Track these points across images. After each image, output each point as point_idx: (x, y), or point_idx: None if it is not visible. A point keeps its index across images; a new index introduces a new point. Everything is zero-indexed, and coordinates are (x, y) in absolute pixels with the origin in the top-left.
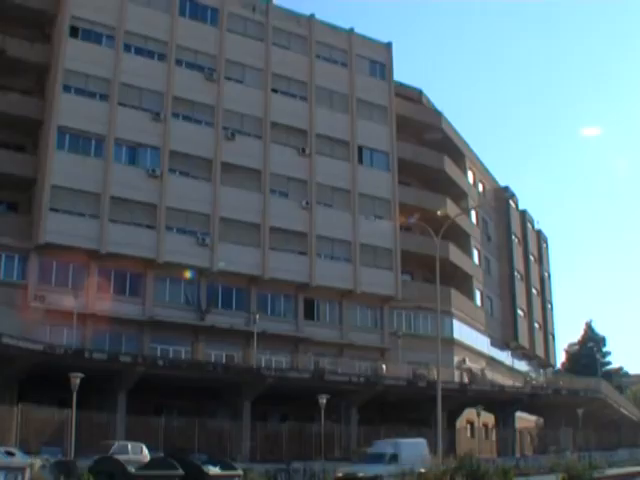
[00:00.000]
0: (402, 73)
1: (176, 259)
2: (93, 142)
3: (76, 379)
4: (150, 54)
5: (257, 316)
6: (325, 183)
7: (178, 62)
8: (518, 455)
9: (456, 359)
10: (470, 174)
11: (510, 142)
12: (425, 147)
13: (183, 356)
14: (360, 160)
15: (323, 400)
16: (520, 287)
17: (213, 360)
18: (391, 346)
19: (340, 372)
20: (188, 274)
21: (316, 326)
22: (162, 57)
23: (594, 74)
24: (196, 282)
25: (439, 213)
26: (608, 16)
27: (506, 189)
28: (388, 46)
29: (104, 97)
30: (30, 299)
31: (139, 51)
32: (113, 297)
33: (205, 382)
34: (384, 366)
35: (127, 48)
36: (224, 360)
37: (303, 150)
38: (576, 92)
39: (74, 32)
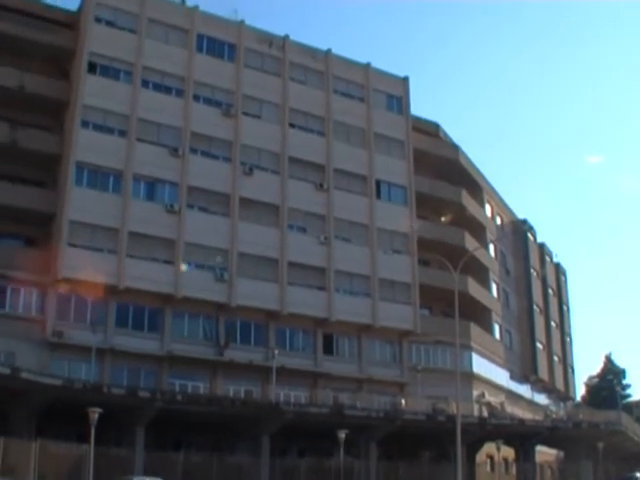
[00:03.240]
0: (419, 106)
1: (194, 294)
2: (111, 177)
3: (94, 414)
4: (168, 90)
5: (276, 351)
6: (343, 218)
7: (196, 97)
8: None
9: (475, 393)
10: (488, 207)
11: (526, 174)
12: (443, 181)
13: (202, 391)
14: (378, 194)
15: (342, 435)
16: (539, 320)
17: (232, 395)
18: (410, 380)
19: (359, 407)
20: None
21: (335, 361)
22: (180, 93)
23: (600, 103)
24: (214, 317)
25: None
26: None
27: (524, 222)
28: (405, 80)
29: (122, 133)
30: (48, 334)
31: (157, 87)
32: (131, 332)
33: (224, 417)
34: (403, 401)
35: (145, 84)
36: (243, 395)
37: (321, 185)
38: (580, 120)
39: (92, 68)
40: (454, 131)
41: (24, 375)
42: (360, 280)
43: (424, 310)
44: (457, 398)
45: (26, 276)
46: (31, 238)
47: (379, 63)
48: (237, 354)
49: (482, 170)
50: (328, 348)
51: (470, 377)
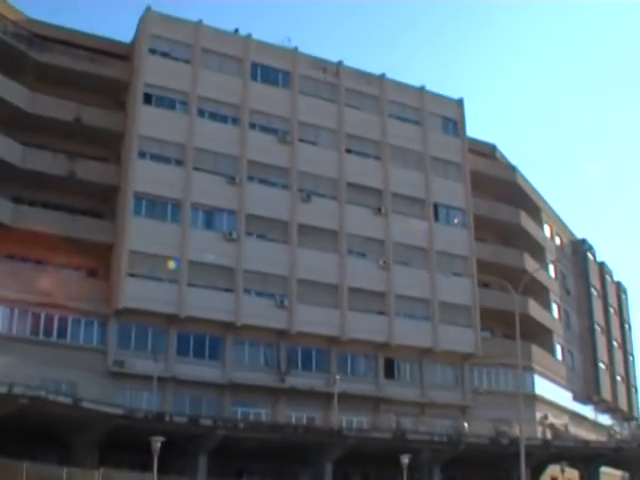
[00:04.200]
0: (474, 128)
1: (255, 322)
2: (169, 207)
3: (157, 443)
4: (223, 118)
5: (337, 377)
6: (402, 242)
7: (251, 125)
8: None
9: (538, 415)
10: (547, 228)
11: (583, 193)
12: (500, 202)
13: (263, 418)
14: (436, 217)
15: (405, 460)
16: (601, 340)
17: (294, 422)
18: (472, 404)
19: (421, 431)
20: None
21: (396, 385)
22: (235, 121)
23: None
24: (275, 344)
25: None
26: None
27: (583, 242)
28: (459, 102)
29: (179, 162)
30: (110, 364)
31: (212, 116)
32: (193, 360)
33: (286, 444)
34: (466, 424)
35: (200, 113)
36: (305, 422)
37: (379, 209)
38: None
39: (148, 99)
40: (510, 152)
41: (86, 405)
42: (420, 304)
43: (485, 332)
44: (520, 420)
45: (87, 306)
46: (91, 269)
47: (432, 86)
48: (298, 380)
49: (539, 190)
50: (389, 372)
51: (533, 399)
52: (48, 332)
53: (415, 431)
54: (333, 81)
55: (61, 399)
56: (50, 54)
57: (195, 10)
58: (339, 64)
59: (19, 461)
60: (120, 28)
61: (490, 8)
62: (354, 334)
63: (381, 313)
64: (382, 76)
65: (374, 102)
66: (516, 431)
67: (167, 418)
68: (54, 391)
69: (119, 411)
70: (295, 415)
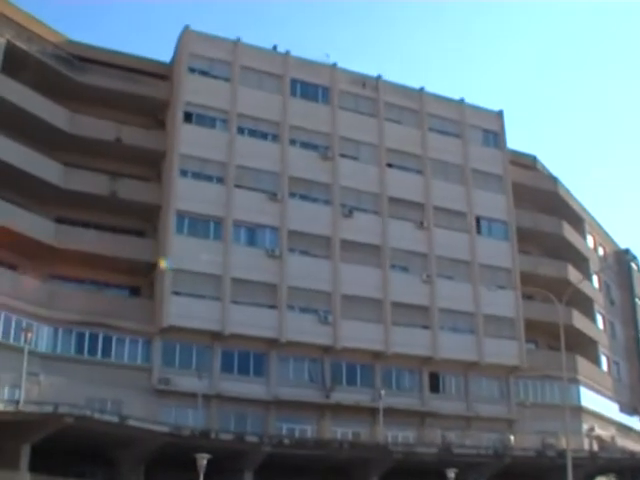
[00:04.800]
0: (514, 140)
1: (299, 338)
2: (212, 224)
3: (203, 460)
4: (264, 135)
5: (382, 392)
6: (445, 255)
7: (292, 142)
8: None
9: (585, 427)
10: (590, 238)
11: (625, 202)
12: (543, 213)
13: (309, 434)
14: (478, 230)
15: (451, 474)
16: None
17: (339, 438)
18: (518, 416)
19: (467, 445)
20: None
21: (442, 399)
22: (276, 138)
23: None
24: (320, 360)
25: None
26: None
27: (627, 251)
28: (499, 114)
29: (220, 180)
30: (155, 382)
31: (253, 133)
32: (237, 377)
33: (332, 460)
34: (512, 437)
35: (241, 130)
36: (350, 437)
37: (421, 223)
38: None
39: (188, 117)
40: (551, 162)
41: (131, 423)
42: (464, 317)
43: (530, 344)
44: (566, 432)
45: (131, 325)
46: (135, 287)
47: (471, 98)
48: (344, 396)
49: (581, 200)
50: (434, 387)
51: (579, 411)
52: (93, 351)
53: (461, 445)
54: (372, 96)
55: (107, 417)
56: (90, 75)
57: (230, 27)
58: (378, 78)
59: (66, 479)
60: (157, 47)
61: (522, 20)
62: (398, 349)
63: (425, 327)
64: (421, 90)
65: (414, 116)
66: (562, 443)
67: (212, 435)
68: (100, 410)
69: (165, 429)
70: (340, 431)
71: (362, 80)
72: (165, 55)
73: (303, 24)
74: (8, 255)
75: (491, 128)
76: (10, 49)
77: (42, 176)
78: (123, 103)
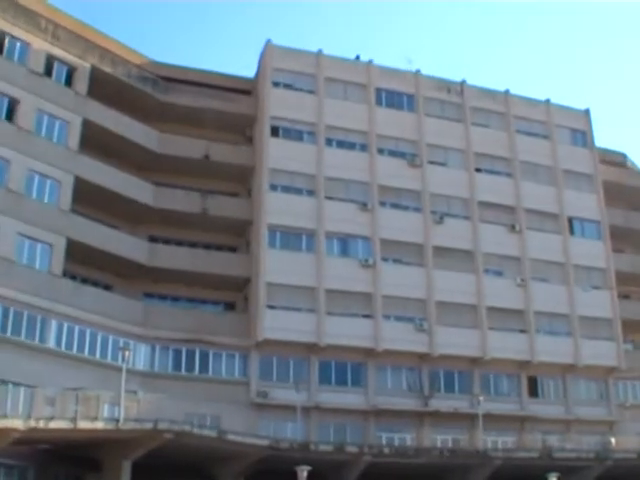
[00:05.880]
0: (602, 138)
1: (395, 346)
2: (304, 237)
3: (303, 472)
4: (351, 146)
5: (481, 398)
6: (538, 258)
7: (380, 151)
8: None
9: None
10: None
11: None
12: (635, 211)
13: (408, 443)
14: (571, 231)
15: (553, 478)
16: None
17: (439, 445)
18: (619, 418)
19: (568, 448)
20: None
21: (540, 403)
22: (364, 147)
23: None
24: (417, 368)
25: None
26: None
27: None
28: (586, 113)
29: (310, 192)
30: (253, 395)
31: (340, 144)
32: (335, 388)
33: (432, 468)
34: (613, 439)
35: (328, 142)
36: (450, 444)
37: (513, 226)
38: None
39: (275, 131)
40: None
41: (231, 437)
42: (560, 319)
43: (627, 345)
44: None
45: (227, 340)
46: (230, 303)
47: (556, 98)
48: (442, 403)
49: None
50: (533, 391)
51: None
52: (190, 367)
53: (562, 449)
54: (458, 101)
55: (206, 432)
56: (175, 94)
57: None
58: (462, 83)
59: None
60: (238, 63)
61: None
62: (495, 354)
63: (521, 331)
64: (506, 92)
65: (500, 119)
66: None
67: (312, 447)
68: (199, 425)
69: (264, 442)
70: (440, 438)
71: (446, 85)
72: (245, 70)
73: (381, 31)
74: (103, 276)
75: (579, 127)
76: (95, 73)
77: (134, 197)
78: (209, 120)
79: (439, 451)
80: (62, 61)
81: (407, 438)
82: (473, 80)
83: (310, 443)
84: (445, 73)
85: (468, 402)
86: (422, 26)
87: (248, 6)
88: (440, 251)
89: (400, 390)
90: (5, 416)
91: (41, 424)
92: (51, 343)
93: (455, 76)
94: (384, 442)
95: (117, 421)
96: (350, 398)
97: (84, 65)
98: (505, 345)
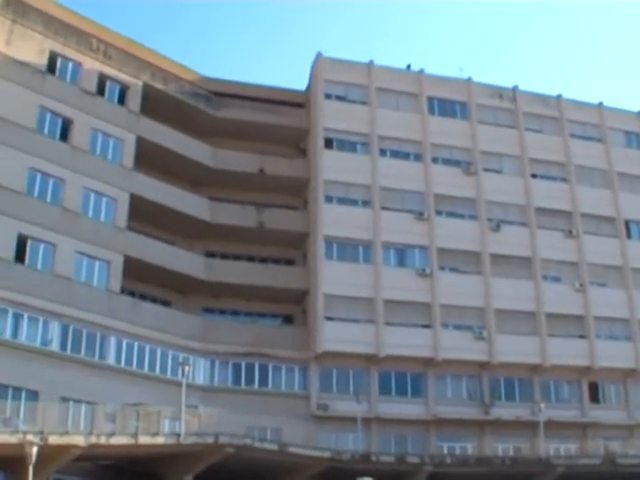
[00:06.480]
0: None
1: (455, 355)
2: (360, 248)
3: None
4: (406, 155)
5: (542, 405)
6: (596, 262)
7: (434, 160)
8: None
9: None
10: None
11: None
12: None
13: (470, 452)
14: (628, 234)
15: None
16: None
17: (500, 453)
18: None
19: (631, 454)
20: None
21: (602, 409)
22: (418, 157)
23: None
24: (477, 376)
25: None
26: None
27: None
28: (639, 115)
29: (366, 203)
30: (313, 408)
31: (394, 154)
32: (395, 398)
33: (494, 476)
34: None
35: (382, 152)
36: (512, 452)
37: (570, 231)
38: None
39: (329, 143)
40: None
41: (292, 450)
42: (620, 324)
43: None
44: None
45: (287, 353)
46: (288, 316)
47: (608, 101)
48: (503, 411)
49: None
50: (594, 396)
51: None
52: (250, 381)
53: (625, 455)
54: (510, 107)
55: (267, 445)
56: (227, 109)
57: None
58: (514, 89)
59: None
60: (288, 76)
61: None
62: (555, 360)
63: (581, 337)
64: (559, 97)
65: (553, 123)
66: None
67: (373, 458)
68: (260, 438)
69: (325, 454)
70: (501, 446)
71: (498, 92)
72: (300, 84)
73: (429, 40)
74: (161, 292)
75: (632, 129)
76: (147, 91)
77: (190, 212)
78: (263, 134)
79: (501, 460)
80: (114, 80)
81: (468, 447)
82: (523, 85)
83: (371, 454)
84: (494, 79)
85: (529, 409)
86: (469, 33)
87: (297, 19)
88: (497, 258)
89: (460, 399)
90: (66, 433)
91: (102, 440)
92: (111, 360)
93: (505, 82)
94: (445, 452)
95: (178, 436)
96: (410, 408)
97: (136, 83)
98: (565, 351)
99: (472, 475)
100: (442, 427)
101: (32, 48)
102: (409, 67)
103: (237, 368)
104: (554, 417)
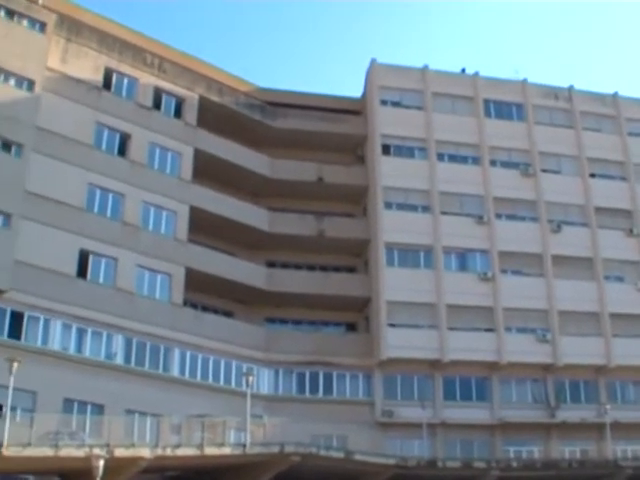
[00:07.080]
0: None
1: (519, 359)
2: (421, 254)
3: None
4: (463, 159)
5: (607, 406)
6: None
7: (492, 162)
8: None
9: None
10: None
11: None
12: None
13: (536, 455)
14: None
15: None
16: None
17: (567, 456)
18: None
19: None
20: None
21: None
22: (476, 160)
23: None
24: (542, 379)
25: None
26: None
27: None
28: None
29: (425, 208)
30: (378, 415)
31: (452, 158)
32: (460, 403)
33: None
34: None
35: (440, 157)
36: (578, 455)
37: (631, 230)
38: None
39: (386, 150)
40: None
41: (358, 457)
42: None
43: None
44: None
45: (350, 361)
46: (351, 323)
47: None
48: (568, 414)
49: None
50: None
51: None
52: (314, 389)
53: None
54: (566, 107)
55: (333, 453)
56: (283, 119)
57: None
58: (570, 89)
59: None
60: (340, 83)
61: None
62: (620, 361)
63: None
64: (615, 95)
65: (611, 122)
66: None
67: (439, 464)
68: (325, 446)
69: (391, 461)
70: (568, 449)
71: (554, 92)
72: (356, 91)
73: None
74: (223, 303)
75: None
76: (203, 103)
77: (249, 223)
78: (319, 143)
79: (568, 463)
80: (170, 93)
81: (535, 451)
82: (577, 85)
83: (437, 460)
84: (548, 80)
85: (595, 411)
86: (523, 35)
87: (350, 26)
88: (559, 260)
89: (526, 402)
90: (133, 445)
91: (168, 452)
92: (175, 372)
93: (558, 82)
94: (512, 456)
95: (244, 446)
96: (476, 413)
97: (192, 96)
98: (630, 351)
99: (539, 479)
100: (508, 431)
101: (87, 65)
102: (464, 71)
103: (301, 377)
104: (620, 418)
